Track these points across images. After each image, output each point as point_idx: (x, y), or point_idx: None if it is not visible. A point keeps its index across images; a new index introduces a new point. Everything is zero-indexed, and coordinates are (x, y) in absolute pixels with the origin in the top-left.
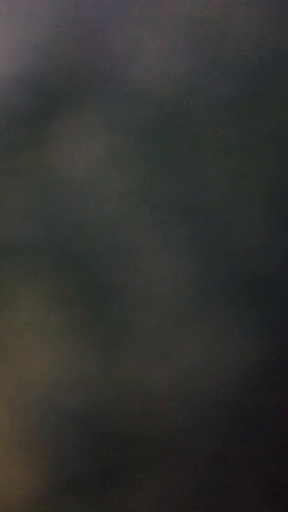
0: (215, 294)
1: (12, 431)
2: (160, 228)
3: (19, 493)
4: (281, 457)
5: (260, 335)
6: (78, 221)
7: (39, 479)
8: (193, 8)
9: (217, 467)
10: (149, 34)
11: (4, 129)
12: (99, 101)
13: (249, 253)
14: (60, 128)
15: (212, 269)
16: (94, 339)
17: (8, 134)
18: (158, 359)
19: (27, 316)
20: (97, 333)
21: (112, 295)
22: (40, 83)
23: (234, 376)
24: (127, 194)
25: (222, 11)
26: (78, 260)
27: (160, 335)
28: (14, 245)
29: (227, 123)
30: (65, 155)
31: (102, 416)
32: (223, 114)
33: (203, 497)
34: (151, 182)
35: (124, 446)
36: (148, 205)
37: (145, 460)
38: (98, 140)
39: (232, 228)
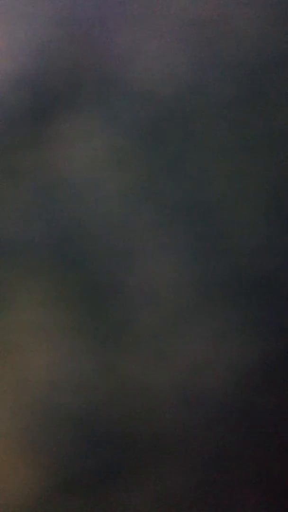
0: (215, 294)
1: (12, 431)
2: (160, 228)
3: (19, 493)
4: (281, 457)
5: (260, 335)
6: (78, 221)
7: (39, 479)
8: (193, 8)
9: (217, 467)
10: (149, 34)
11: (4, 129)
12: (99, 101)
13: (249, 253)
14: (60, 128)
15: (212, 269)
16: (94, 339)
17: (8, 134)
18: (158, 359)
19: (27, 316)
20: (97, 333)
21: (112, 295)
22: (40, 83)
23: (234, 376)
24: (127, 194)
25: (222, 11)
26: (78, 260)
27: (160, 335)
28: (14, 245)
29: (227, 123)
30: (65, 155)
31: (102, 416)
32: (223, 114)
33: (203, 497)
34: (151, 182)
35: (124, 446)
36: (148, 205)
37: (145, 460)
38: (98, 140)
39: (232, 228)
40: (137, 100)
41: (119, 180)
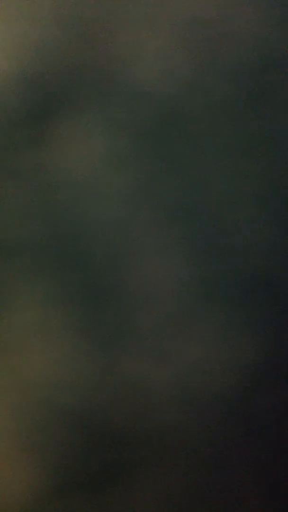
0: (215, 294)
1: (11, 431)
2: (160, 228)
3: (19, 493)
4: (281, 457)
5: (259, 335)
6: (78, 221)
7: (39, 479)
8: (193, 8)
9: (217, 467)
10: (149, 34)
11: (4, 129)
12: (99, 101)
13: (249, 253)
14: (60, 128)
15: (212, 269)
16: (94, 339)
17: (8, 134)
18: (158, 359)
19: (27, 316)
20: (97, 333)
21: (112, 295)
22: (40, 83)
23: (233, 375)
24: (127, 194)
25: (222, 11)
26: (78, 260)
27: (160, 335)
28: (14, 245)
29: (227, 123)
30: (65, 155)
31: (102, 416)
32: (223, 114)
33: (203, 497)
34: (151, 182)
35: (124, 446)
36: (148, 205)
37: (145, 460)
38: (98, 140)
39: (232, 228)
40: (137, 100)
41: (119, 181)
